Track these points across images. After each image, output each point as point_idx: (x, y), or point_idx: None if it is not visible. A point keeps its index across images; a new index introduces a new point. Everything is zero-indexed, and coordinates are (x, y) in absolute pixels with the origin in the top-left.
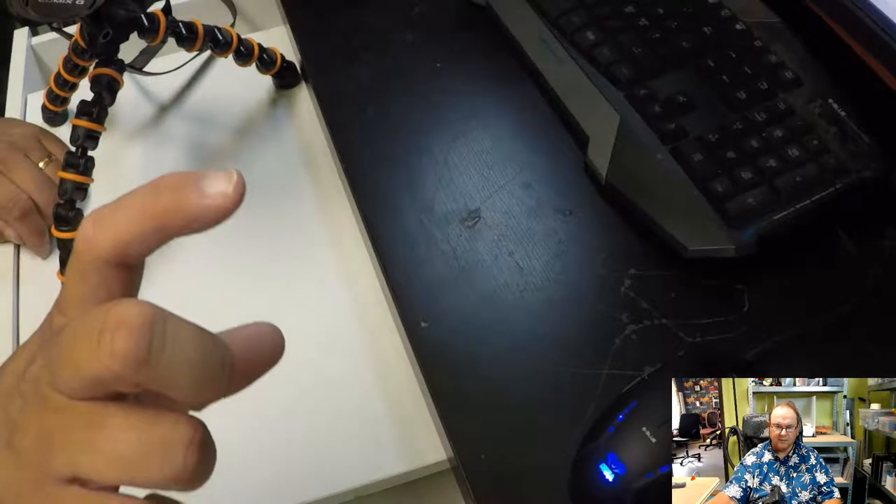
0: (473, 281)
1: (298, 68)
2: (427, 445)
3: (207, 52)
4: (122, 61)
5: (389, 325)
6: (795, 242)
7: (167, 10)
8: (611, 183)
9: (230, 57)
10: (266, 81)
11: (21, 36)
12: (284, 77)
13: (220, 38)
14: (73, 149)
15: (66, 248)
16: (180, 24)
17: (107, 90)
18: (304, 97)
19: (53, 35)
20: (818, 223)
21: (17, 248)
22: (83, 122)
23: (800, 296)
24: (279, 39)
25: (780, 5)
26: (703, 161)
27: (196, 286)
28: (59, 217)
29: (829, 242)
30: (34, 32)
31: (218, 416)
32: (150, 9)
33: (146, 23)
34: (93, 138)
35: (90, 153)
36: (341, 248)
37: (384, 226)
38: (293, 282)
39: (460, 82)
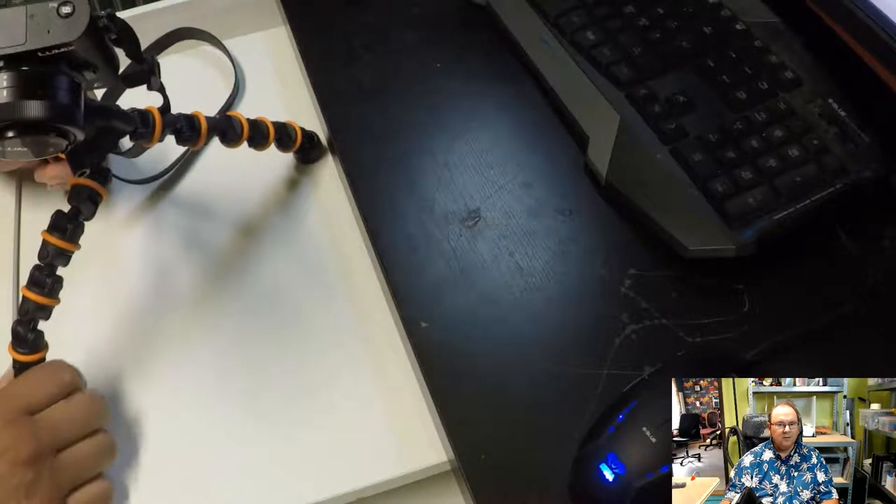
0: (473, 281)
1: (324, 140)
2: (427, 446)
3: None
4: (107, 171)
5: (389, 325)
6: (795, 242)
7: (165, 108)
8: (611, 183)
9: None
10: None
11: None
12: (306, 152)
13: (230, 128)
14: (40, 264)
15: (20, 369)
16: (181, 121)
17: (87, 203)
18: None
19: None
20: (818, 223)
21: (17, 245)
22: (54, 239)
23: (800, 296)
24: (279, 40)
25: (780, 5)
26: (703, 161)
27: (196, 290)
28: (17, 336)
29: (829, 242)
30: None
31: (218, 417)
32: (144, 105)
33: (139, 125)
34: (64, 256)
35: (59, 271)
36: (341, 247)
37: (384, 226)
38: (293, 282)
39: (460, 82)
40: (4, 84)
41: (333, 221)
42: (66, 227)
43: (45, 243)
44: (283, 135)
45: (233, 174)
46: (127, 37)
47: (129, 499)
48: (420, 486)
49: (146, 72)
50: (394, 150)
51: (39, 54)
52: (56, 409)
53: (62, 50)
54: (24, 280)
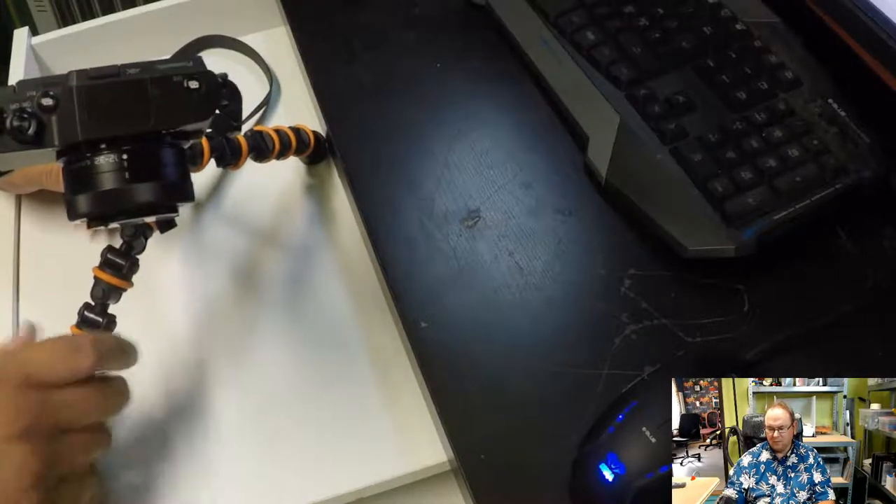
0: (473, 281)
1: (326, 138)
2: (427, 446)
3: None
4: None
5: (389, 325)
6: (795, 242)
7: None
8: (611, 183)
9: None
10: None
11: (21, 36)
12: (314, 154)
13: (264, 145)
14: (91, 303)
15: None
16: (224, 145)
17: (140, 237)
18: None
19: (54, 35)
20: (818, 223)
21: (17, 239)
22: (108, 278)
23: (800, 296)
24: (279, 40)
25: (780, 5)
26: (703, 161)
27: (198, 292)
28: None
29: (829, 242)
30: (34, 32)
31: (218, 419)
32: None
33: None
34: (116, 293)
35: (111, 309)
36: (341, 247)
37: (384, 226)
38: (292, 283)
39: (460, 82)
40: (117, 167)
41: (333, 221)
42: (121, 266)
43: (97, 281)
44: (300, 142)
45: (229, 175)
46: (236, 99)
47: (128, 498)
48: (420, 486)
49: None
50: (394, 150)
51: (164, 132)
52: (63, 393)
53: (189, 128)
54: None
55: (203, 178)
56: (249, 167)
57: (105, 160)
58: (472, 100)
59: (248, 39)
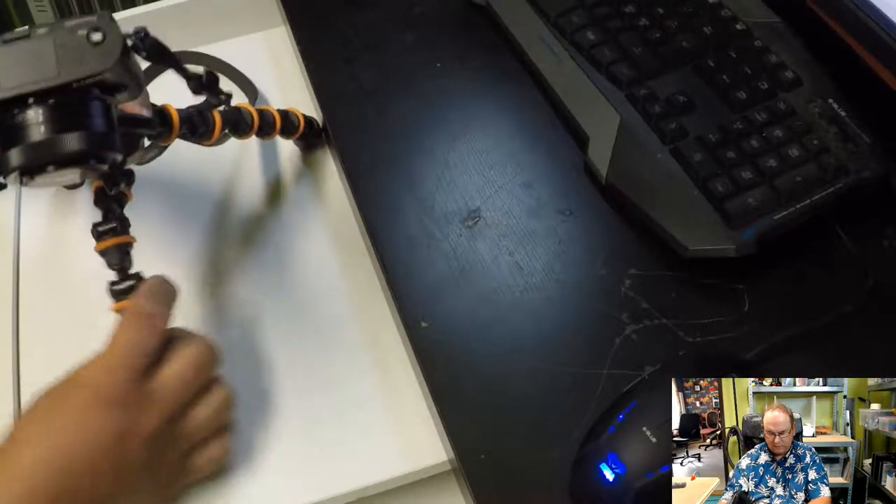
0: (473, 281)
1: (321, 126)
2: (427, 446)
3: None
4: (131, 173)
5: (389, 325)
6: (795, 242)
7: (230, 114)
8: (611, 183)
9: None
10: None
11: None
12: (307, 138)
13: (241, 120)
14: (114, 277)
15: None
16: (195, 116)
17: (115, 202)
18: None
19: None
20: (818, 223)
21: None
22: (110, 241)
23: (800, 296)
24: (279, 40)
25: (780, 5)
26: (703, 161)
27: (197, 289)
28: None
29: (829, 242)
30: None
31: None
32: (161, 102)
33: (159, 125)
34: (127, 252)
35: (132, 269)
36: (341, 247)
37: (384, 226)
38: (292, 282)
39: (460, 82)
40: (39, 119)
41: (333, 221)
42: (114, 227)
43: (105, 252)
44: (287, 122)
45: (231, 170)
46: (158, 53)
47: None
48: (420, 486)
49: (206, 84)
50: (394, 150)
51: (74, 85)
52: (170, 370)
53: (96, 78)
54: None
55: (203, 177)
56: (251, 167)
57: (29, 115)
58: (472, 100)
59: (248, 39)
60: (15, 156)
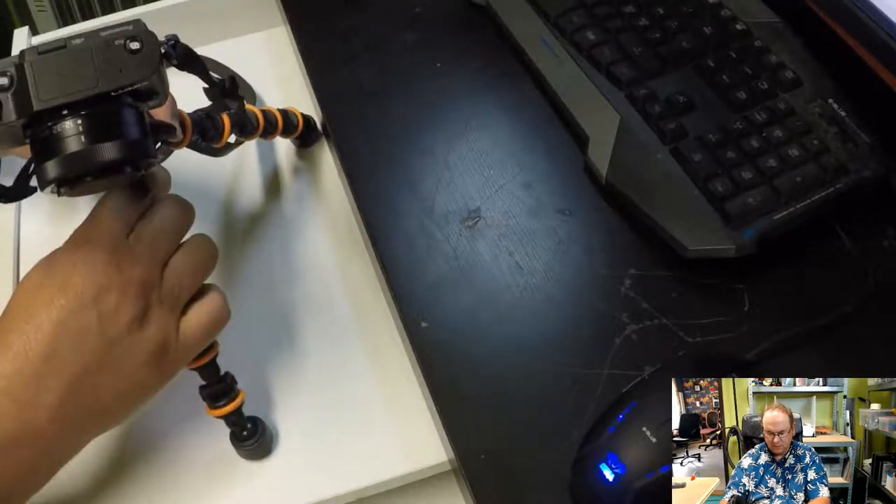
0: (473, 281)
1: (319, 124)
2: (427, 446)
3: None
4: None
5: (389, 324)
6: (795, 242)
7: (238, 117)
8: (611, 183)
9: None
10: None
11: (21, 36)
12: (304, 136)
13: (248, 122)
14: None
15: None
16: (206, 121)
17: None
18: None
19: (53, 35)
20: (818, 223)
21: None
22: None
23: (800, 296)
24: (279, 40)
25: (780, 5)
26: (703, 161)
27: None
28: None
29: (829, 242)
30: (34, 32)
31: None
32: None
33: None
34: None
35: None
36: (341, 247)
37: (384, 226)
38: (291, 282)
39: (460, 82)
40: (77, 130)
41: (333, 221)
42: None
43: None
44: (288, 122)
45: (229, 170)
46: (189, 61)
47: (126, 498)
48: (420, 486)
49: (228, 90)
50: (394, 150)
51: (112, 94)
52: (150, 224)
53: (134, 87)
54: None
55: (202, 176)
56: (250, 166)
57: (66, 126)
58: (472, 100)
59: (248, 39)
60: (52, 168)
